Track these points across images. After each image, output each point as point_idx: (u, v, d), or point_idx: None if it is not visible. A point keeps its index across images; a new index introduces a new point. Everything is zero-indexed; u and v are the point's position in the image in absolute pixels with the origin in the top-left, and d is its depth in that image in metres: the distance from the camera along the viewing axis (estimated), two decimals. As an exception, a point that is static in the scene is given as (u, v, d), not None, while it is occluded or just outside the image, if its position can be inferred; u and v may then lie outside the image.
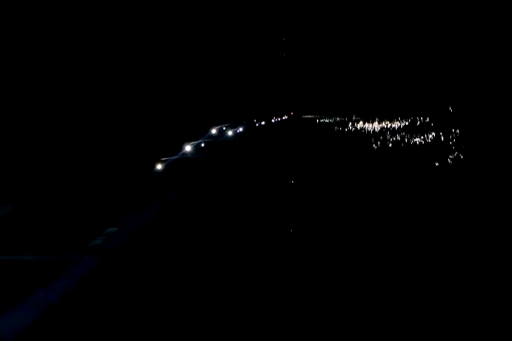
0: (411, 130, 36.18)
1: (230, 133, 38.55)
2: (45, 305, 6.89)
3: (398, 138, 32.98)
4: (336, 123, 57.80)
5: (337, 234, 10.62)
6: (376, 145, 31.15)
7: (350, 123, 51.24)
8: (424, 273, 8.12)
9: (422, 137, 31.24)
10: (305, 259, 9.03)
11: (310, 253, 9.40)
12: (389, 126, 43.56)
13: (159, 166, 19.99)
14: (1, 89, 19.02)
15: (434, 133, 32.04)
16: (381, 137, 35.39)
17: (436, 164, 19.73)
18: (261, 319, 6.54)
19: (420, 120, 40.69)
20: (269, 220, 11.74)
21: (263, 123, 58.78)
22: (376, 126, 45.73)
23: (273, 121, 66.20)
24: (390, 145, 30.51)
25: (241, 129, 44.12)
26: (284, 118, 77.28)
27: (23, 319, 6.39)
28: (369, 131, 42.63)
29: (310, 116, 78.17)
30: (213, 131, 35.72)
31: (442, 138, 29.99)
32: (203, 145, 30.08)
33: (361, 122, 50.47)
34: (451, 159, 21.11)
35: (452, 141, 27.62)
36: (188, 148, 25.98)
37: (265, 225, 11.28)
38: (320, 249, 9.66)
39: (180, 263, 8.94)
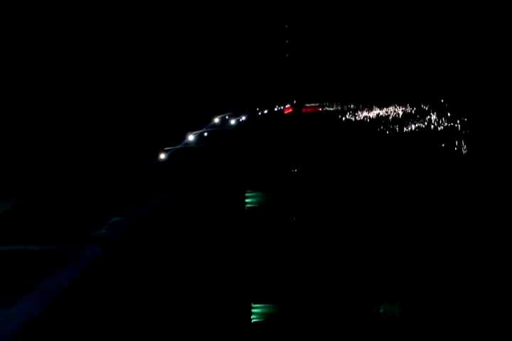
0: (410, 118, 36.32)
1: (232, 121, 38.59)
2: (52, 293, 7.07)
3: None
4: (339, 111, 57.66)
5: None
6: (379, 131, 31.29)
7: (354, 111, 51.17)
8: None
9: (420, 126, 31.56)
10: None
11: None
12: (392, 113, 43.62)
13: (162, 156, 20.13)
14: (6, 86, 19.17)
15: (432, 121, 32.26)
16: (383, 123, 35.47)
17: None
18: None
19: (419, 108, 40.73)
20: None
21: (266, 111, 58.69)
22: (378, 113, 45.75)
23: (276, 109, 66.03)
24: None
25: (244, 118, 44.14)
26: (286, 106, 77.08)
27: (32, 307, 6.57)
28: (372, 118, 42.67)
29: (313, 104, 77.94)
30: (216, 120, 35.76)
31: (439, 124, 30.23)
32: (205, 134, 30.15)
33: (365, 110, 50.45)
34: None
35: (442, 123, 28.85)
36: (191, 137, 26.08)
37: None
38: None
39: (182, 250, 9.11)
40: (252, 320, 6.57)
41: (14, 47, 20.34)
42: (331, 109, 65.18)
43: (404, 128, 31.55)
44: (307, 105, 77.26)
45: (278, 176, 17.19)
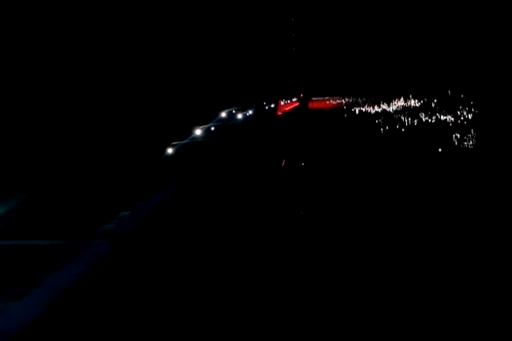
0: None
1: (239, 116, 38.53)
2: (60, 288, 7.01)
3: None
4: (347, 104, 57.59)
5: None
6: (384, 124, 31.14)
7: (362, 105, 51.11)
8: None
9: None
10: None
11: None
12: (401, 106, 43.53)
13: (170, 150, 20.10)
14: (19, 86, 19.24)
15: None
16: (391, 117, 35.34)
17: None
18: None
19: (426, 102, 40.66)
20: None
21: (272, 105, 58.57)
22: (386, 107, 45.66)
23: (282, 103, 65.92)
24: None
25: (250, 112, 44.04)
26: (293, 100, 77.06)
27: (39, 302, 6.51)
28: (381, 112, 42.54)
29: (320, 98, 77.95)
30: (223, 114, 35.73)
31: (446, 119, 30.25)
32: (212, 128, 30.09)
33: (372, 103, 50.35)
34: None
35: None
36: (198, 131, 26.03)
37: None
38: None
39: (189, 245, 9.04)
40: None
41: (14, 47, 20.34)
42: (337, 101, 64.88)
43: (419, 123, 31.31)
44: (314, 99, 77.06)
45: (287, 169, 17.08)
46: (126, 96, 26.66)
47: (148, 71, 30.62)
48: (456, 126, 27.51)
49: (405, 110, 41.47)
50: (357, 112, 47.20)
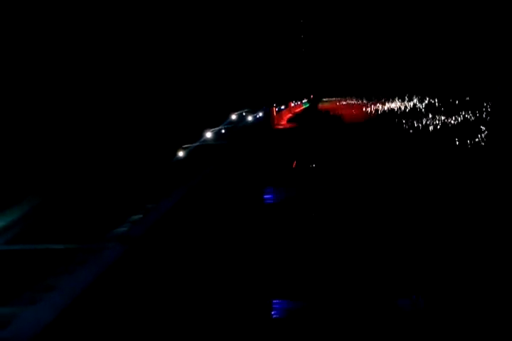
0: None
1: (250, 118, 38.51)
2: (74, 291, 7.06)
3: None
4: (358, 105, 57.50)
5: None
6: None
7: (369, 105, 51.08)
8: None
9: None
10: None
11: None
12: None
13: (181, 153, 20.16)
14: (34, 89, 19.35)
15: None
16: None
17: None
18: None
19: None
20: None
21: (282, 107, 58.47)
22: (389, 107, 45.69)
23: (293, 104, 65.81)
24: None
25: (261, 114, 43.99)
26: (303, 101, 76.95)
27: (53, 306, 6.56)
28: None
29: (330, 99, 77.85)
30: (233, 116, 35.75)
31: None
32: (223, 131, 30.12)
33: (381, 104, 50.34)
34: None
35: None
36: (208, 134, 26.06)
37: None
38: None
39: (204, 247, 9.08)
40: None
41: (15, 47, 20.44)
42: (348, 102, 64.70)
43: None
44: (324, 99, 76.83)
45: (297, 171, 17.12)
46: (140, 100, 26.77)
47: (160, 75, 30.74)
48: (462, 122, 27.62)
49: (410, 109, 41.54)
50: (364, 111, 47.22)
